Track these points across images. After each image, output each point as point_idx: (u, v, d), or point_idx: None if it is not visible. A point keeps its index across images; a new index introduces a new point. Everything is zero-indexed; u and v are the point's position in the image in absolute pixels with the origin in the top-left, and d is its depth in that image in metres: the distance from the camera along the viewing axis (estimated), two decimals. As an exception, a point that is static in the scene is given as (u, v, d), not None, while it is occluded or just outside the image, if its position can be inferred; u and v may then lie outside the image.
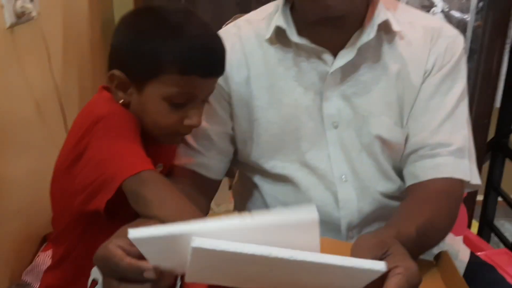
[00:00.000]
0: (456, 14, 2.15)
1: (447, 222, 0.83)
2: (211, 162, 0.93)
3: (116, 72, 0.79)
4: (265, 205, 0.96)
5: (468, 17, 2.03)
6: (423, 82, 0.88)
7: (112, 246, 0.59)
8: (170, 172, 0.93)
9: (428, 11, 2.16)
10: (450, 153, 0.85)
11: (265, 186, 0.96)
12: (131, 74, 0.78)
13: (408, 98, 0.88)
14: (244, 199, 1.02)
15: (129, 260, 0.57)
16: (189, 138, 0.92)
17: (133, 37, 0.78)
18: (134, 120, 0.79)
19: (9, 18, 1.10)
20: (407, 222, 0.76)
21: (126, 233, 0.55)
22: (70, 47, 1.42)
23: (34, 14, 1.17)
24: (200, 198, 0.91)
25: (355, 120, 0.89)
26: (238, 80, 0.91)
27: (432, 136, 0.86)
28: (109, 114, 0.76)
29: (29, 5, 1.15)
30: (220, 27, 1.51)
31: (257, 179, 0.97)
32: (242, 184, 1.04)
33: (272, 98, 0.90)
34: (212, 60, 0.78)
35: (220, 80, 0.88)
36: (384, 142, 0.89)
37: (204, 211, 0.91)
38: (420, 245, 0.75)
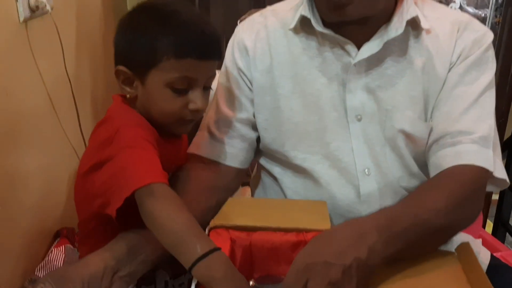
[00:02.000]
0: (473, 10, 2.12)
1: (466, 210, 0.80)
2: (234, 151, 0.93)
3: (120, 67, 0.82)
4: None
5: (486, 13, 2.00)
6: (448, 73, 0.86)
7: None
8: (189, 164, 0.92)
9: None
10: (473, 141, 0.82)
11: (286, 179, 0.94)
12: (133, 67, 0.82)
13: (433, 91, 0.86)
14: (263, 193, 1.01)
15: None
16: (211, 126, 0.93)
17: (130, 32, 0.81)
18: (150, 129, 0.82)
19: (23, 12, 1.09)
20: (408, 209, 0.76)
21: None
22: (83, 41, 1.41)
23: (48, 8, 1.16)
24: (222, 191, 0.90)
25: (379, 114, 0.87)
26: (261, 68, 0.91)
27: (454, 124, 0.84)
28: (127, 125, 0.79)
29: (43, -1, 1.13)
30: (234, 22, 1.50)
31: (277, 172, 0.95)
32: (261, 178, 1.03)
33: (295, 86, 0.89)
34: (204, 42, 0.80)
35: (243, 67, 0.90)
36: (407, 136, 0.87)
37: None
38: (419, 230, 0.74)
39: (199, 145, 0.94)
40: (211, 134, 0.94)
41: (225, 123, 0.93)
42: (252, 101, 0.93)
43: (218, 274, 0.64)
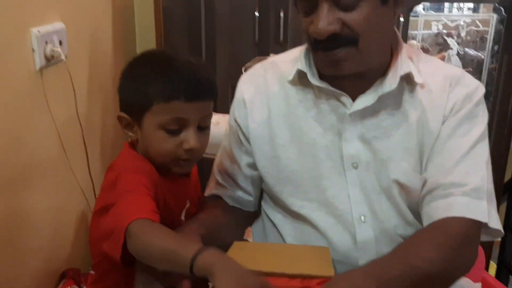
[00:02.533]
0: (473, 52, 2.19)
1: (457, 261, 0.81)
2: (240, 195, 1.02)
3: (121, 113, 0.89)
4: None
5: (483, 56, 2.06)
6: (441, 126, 0.89)
7: None
8: (203, 204, 1.00)
9: (443, 50, 2.20)
10: (465, 193, 0.84)
11: (286, 226, 0.97)
12: (131, 113, 0.88)
13: (428, 144, 0.89)
14: (263, 237, 1.04)
15: None
16: (217, 175, 1.03)
17: (128, 79, 0.89)
18: (149, 173, 0.86)
19: (39, 62, 1.15)
20: (395, 262, 0.79)
21: None
22: (94, 86, 1.47)
23: (62, 57, 1.22)
24: (233, 227, 0.99)
25: (374, 163, 0.90)
26: (259, 119, 0.96)
27: (446, 176, 0.86)
28: (127, 171, 0.85)
29: (58, 49, 1.20)
30: (238, 69, 1.56)
31: (278, 219, 0.99)
32: (263, 221, 1.06)
33: (292, 136, 0.93)
34: (192, 84, 0.85)
35: (240, 119, 0.97)
36: (402, 186, 0.90)
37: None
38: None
39: (210, 189, 1.05)
40: (217, 182, 1.04)
41: (228, 173, 1.02)
42: (247, 151, 0.99)
43: (217, 260, 0.68)
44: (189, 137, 0.86)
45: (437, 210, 0.85)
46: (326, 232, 0.92)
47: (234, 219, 1.01)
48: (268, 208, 1.01)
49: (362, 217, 0.91)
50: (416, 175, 0.89)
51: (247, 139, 0.98)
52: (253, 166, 0.99)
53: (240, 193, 1.03)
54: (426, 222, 0.87)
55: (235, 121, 0.99)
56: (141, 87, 0.85)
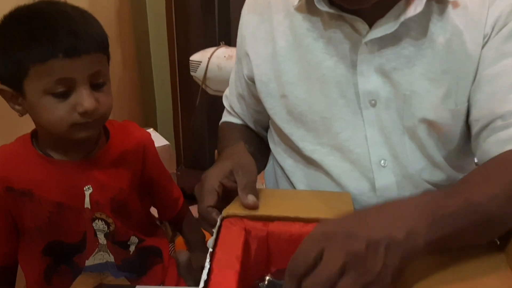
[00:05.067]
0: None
1: None
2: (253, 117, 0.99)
3: (1, 86, 0.78)
4: None
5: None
6: (482, 49, 0.76)
7: (212, 183, 0.72)
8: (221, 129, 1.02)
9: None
10: None
11: (297, 173, 0.89)
12: (9, 82, 0.78)
13: (463, 73, 0.77)
14: (275, 186, 0.96)
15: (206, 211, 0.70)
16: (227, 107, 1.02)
17: None
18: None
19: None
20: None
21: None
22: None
23: None
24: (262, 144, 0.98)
25: (395, 99, 0.79)
26: (264, 54, 0.86)
27: (502, 105, 0.73)
28: None
29: None
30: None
31: (289, 165, 0.90)
32: (274, 170, 0.97)
33: (300, 72, 0.83)
34: (68, 38, 0.74)
35: (242, 56, 0.89)
36: (430, 124, 0.78)
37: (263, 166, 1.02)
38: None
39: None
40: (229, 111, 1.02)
41: (238, 97, 0.98)
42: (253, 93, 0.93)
43: None
44: (81, 99, 0.76)
45: (498, 143, 0.72)
46: (341, 179, 0.82)
47: (259, 138, 1.00)
48: (279, 152, 0.92)
49: (382, 162, 0.81)
50: (446, 109, 0.78)
51: (251, 78, 0.89)
52: (261, 104, 0.90)
53: (252, 126, 0.99)
54: (483, 160, 0.74)
55: (239, 56, 0.92)
56: (12, 52, 0.75)
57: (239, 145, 0.85)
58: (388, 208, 0.59)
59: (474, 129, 0.76)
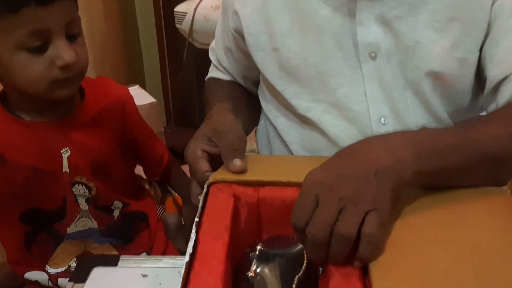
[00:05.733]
0: None
1: None
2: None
3: None
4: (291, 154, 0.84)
5: None
6: None
7: (193, 152, 0.67)
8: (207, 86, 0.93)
9: None
10: None
11: (291, 132, 0.83)
12: None
13: (472, 19, 0.70)
14: (268, 146, 0.91)
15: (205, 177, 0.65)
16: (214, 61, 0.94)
17: None
18: None
19: None
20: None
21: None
22: None
23: None
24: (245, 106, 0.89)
25: (397, 52, 0.72)
26: (253, 3, 0.79)
27: None
28: None
29: None
30: None
31: (282, 124, 0.84)
32: (266, 129, 0.91)
33: (293, 22, 0.76)
34: None
35: (228, 6, 0.82)
36: (436, 77, 0.72)
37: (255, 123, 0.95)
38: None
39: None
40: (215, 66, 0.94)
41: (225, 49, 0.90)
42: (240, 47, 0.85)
43: None
44: (60, 51, 0.69)
45: None
46: (338, 139, 0.77)
47: (248, 95, 0.93)
48: (270, 110, 0.86)
49: (383, 119, 0.75)
50: (454, 58, 0.71)
51: (238, 31, 0.82)
52: (250, 59, 0.83)
53: (241, 82, 0.92)
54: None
55: (224, 6, 0.84)
56: None
57: (217, 107, 0.79)
58: (375, 140, 0.58)
59: (491, 84, 0.71)
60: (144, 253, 0.92)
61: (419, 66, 0.72)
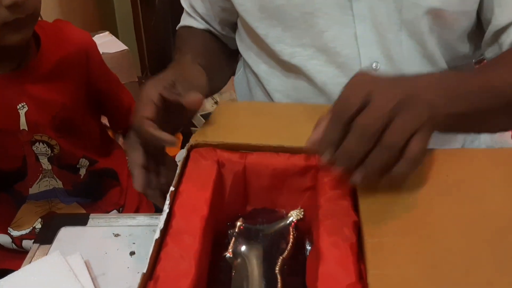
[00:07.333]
0: None
1: None
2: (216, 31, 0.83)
3: None
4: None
5: None
6: None
7: (149, 92, 0.57)
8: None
9: None
10: None
11: (273, 81, 0.75)
12: None
13: None
14: (249, 94, 0.83)
15: (152, 132, 0.55)
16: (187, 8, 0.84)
17: None
18: None
19: None
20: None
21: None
22: None
23: None
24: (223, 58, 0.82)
25: None
26: None
27: None
28: None
29: None
30: None
31: (263, 71, 0.76)
32: (246, 77, 0.84)
33: None
34: None
35: None
36: (436, 15, 0.65)
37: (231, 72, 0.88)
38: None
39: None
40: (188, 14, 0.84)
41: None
42: None
43: None
44: None
45: None
46: (326, 86, 0.70)
47: (222, 46, 0.84)
48: (250, 56, 0.78)
49: (374, 64, 0.68)
50: None
51: None
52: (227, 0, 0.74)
53: (217, 28, 0.82)
54: None
55: None
56: None
57: (186, 57, 0.72)
58: (408, 79, 0.54)
59: (495, 27, 0.65)
60: (115, 211, 0.86)
61: (417, 3, 0.64)
